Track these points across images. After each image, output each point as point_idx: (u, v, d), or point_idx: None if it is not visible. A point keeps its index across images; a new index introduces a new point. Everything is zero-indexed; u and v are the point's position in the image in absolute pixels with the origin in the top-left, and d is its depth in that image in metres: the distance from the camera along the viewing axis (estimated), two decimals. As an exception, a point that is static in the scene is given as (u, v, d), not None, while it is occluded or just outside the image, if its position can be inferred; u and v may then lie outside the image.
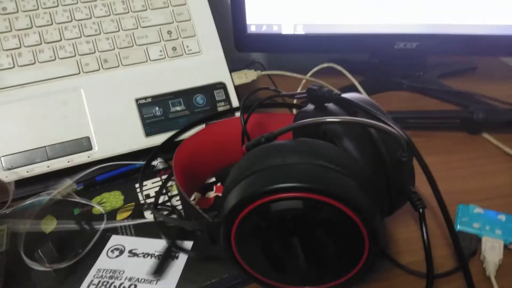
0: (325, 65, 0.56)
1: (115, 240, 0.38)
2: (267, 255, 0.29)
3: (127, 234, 0.38)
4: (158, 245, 0.37)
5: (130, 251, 0.37)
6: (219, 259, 0.35)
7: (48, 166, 0.45)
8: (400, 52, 0.59)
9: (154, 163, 0.46)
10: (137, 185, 0.45)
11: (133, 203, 0.43)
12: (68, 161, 0.45)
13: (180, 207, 0.42)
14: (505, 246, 0.35)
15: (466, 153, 0.48)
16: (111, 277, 0.34)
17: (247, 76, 0.53)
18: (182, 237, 0.37)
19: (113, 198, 0.43)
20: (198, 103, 0.50)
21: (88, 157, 0.46)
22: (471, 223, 0.37)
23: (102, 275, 0.35)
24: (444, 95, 0.59)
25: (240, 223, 0.28)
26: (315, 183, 0.26)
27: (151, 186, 0.45)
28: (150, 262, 0.36)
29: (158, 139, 0.47)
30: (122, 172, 0.47)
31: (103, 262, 0.36)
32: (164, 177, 0.45)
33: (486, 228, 0.36)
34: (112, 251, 0.37)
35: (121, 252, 0.37)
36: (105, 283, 0.34)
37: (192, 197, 0.42)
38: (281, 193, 0.26)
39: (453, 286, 0.33)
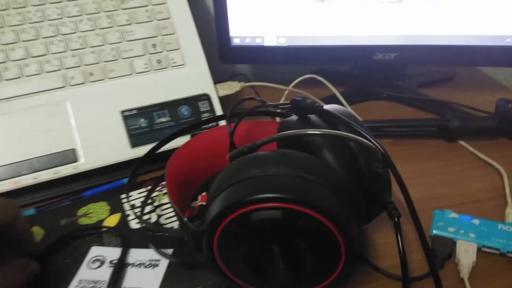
0: (307, 76, 0.58)
1: (95, 251, 0.39)
2: (249, 263, 0.30)
3: (113, 245, 0.39)
4: (139, 255, 0.38)
5: (111, 262, 0.37)
6: (203, 266, 0.36)
7: (34, 178, 0.45)
8: (379, 62, 0.61)
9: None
10: (123, 196, 0.45)
11: (120, 213, 0.43)
12: (55, 173, 0.46)
13: (164, 216, 0.43)
14: (479, 249, 0.37)
15: (443, 160, 0.50)
16: (95, 285, 0.35)
17: (231, 87, 0.54)
18: (167, 245, 0.38)
19: (99, 209, 0.44)
20: (183, 114, 0.51)
21: (75, 168, 0.46)
22: (446, 228, 0.38)
23: (83, 286, 0.35)
24: (422, 104, 0.61)
25: (222, 231, 0.29)
26: (294, 194, 0.27)
27: (137, 197, 0.46)
28: (132, 272, 0.36)
29: (144, 150, 0.48)
30: (110, 188, 0.47)
31: (84, 273, 0.36)
32: (149, 187, 0.46)
33: (460, 232, 0.38)
34: (93, 262, 0.37)
35: (102, 263, 0.37)
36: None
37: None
38: (261, 203, 0.27)
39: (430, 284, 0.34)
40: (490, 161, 0.48)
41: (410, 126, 0.54)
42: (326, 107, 0.36)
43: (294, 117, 0.37)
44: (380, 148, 0.31)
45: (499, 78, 0.70)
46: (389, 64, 0.62)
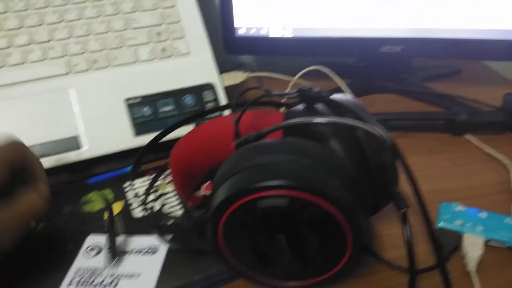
0: (312, 67, 0.57)
1: (91, 239, 0.38)
2: (254, 251, 0.30)
3: (116, 233, 0.39)
4: (138, 242, 0.38)
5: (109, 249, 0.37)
6: (206, 254, 0.35)
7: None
8: (386, 55, 0.60)
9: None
10: (126, 184, 0.45)
11: (123, 201, 0.43)
12: (57, 160, 0.45)
13: (168, 206, 0.42)
14: (486, 243, 0.36)
15: (449, 153, 0.49)
16: (91, 275, 0.35)
17: (236, 77, 0.54)
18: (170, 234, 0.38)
19: (103, 197, 0.44)
20: (187, 104, 0.50)
21: (78, 155, 0.46)
22: (453, 221, 0.38)
23: (81, 274, 0.35)
24: (428, 97, 0.61)
25: (228, 219, 0.28)
26: (301, 181, 0.27)
27: (140, 185, 0.45)
28: (131, 258, 0.36)
29: (147, 139, 0.47)
30: (113, 175, 0.47)
31: (82, 261, 0.36)
32: (152, 176, 0.46)
33: (467, 225, 0.37)
34: (90, 250, 0.37)
35: (99, 250, 0.37)
36: (85, 282, 0.34)
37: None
38: (268, 190, 0.27)
39: (435, 280, 0.34)
40: (496, 155, 0.48)
41: (416, 119, 0.54)
42: (334, 96, 0.35)
43: (300, 106, 0.37)
44: (388, 138, 0.30)
45: (505, 73, 0.69)
46: (395, 57, 0.61)
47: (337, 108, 0.35)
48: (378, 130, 0.29)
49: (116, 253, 0.36)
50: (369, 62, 0.66)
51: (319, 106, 0.35)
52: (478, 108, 0.55)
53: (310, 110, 0.36)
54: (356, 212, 0.28)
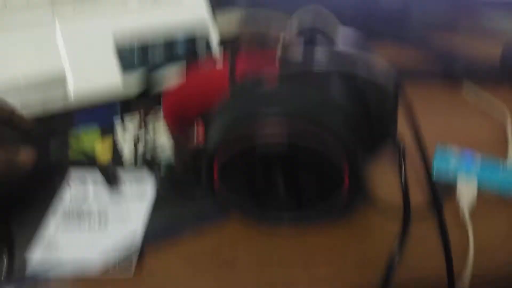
0: (311, 6, 0.54)
1: (75, 176, 0.37)
2: (249, 186, 0.29)
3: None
4: (127, 180, 0.37)
5: (94, 185, 0.37)
6: (200, 192, 0.34)
7: (20, 105, 0.43)
8: (385, 4, 0.58)
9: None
10: (115, 123, 0.44)
11: (111, 139, 0.42)
12: (42, 101, 0.43)
13: (160, 146, 0.41)
14: (480, 188, 0.36)
15: (446, 102, 0.49)
16: (78, 213, 0.34)
17: (230, 18, 0.51)
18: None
19: (91, 134, 0.42)
20: (179, 47, 0.48)
21: (63, 96, 0.44)
22: (448, 165, 0.38)
23: (67, 211, 0.34)
24: (427, 47, 0.59)
25: (223, 153, 0.27)
26: (302, 111, 0.25)
27: (131, 125, 0.44)
28: (117, 195, 0.36)
29: (137, 77, 0.46)
30: (101, 116, 0.45)
31: (66, 198, 0.35)
32: (143, 116, 0.44)
33: (462, 171, 0.37)
34: (74, 187, 0.36)
35: (85, 186, 0.36)
36: (71, 217, 0.34)
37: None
38: (267, 120, 0.26)
39: (427, 225, 0.34)
40: (494, 104, 0.47)
41: (414, 67, 0.52)
42: (339, 32, 0.33)
43: (300, 46, 0.35)
44: (392, 72, 0.29)
45: (505, 26, 0.67)
46: (395, 6, 0.59)
47: (340, 52, 0.33)
48: (382, 70, 0.28)
49: (114, 182, 0.36)
50: (368, 11, 0.63)
51: (319, 42, 0.33)
52: (476, 57, 0.54)
53: (311, 50, 0.34)
54: (355, 148, 0.27)
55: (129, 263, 0.30)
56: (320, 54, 0.33)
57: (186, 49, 0.48)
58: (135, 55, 0.46)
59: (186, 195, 0.35)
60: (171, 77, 0.43)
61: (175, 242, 0.32)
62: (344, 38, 0.32)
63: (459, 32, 0.65)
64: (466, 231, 0.33)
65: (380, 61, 0.30)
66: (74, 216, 0.34)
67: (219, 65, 0.44)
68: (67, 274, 0.29)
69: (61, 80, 0.44)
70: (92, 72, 0.45)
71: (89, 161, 0.38)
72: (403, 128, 0.33)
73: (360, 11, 0.64)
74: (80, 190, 0.36)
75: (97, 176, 0.37)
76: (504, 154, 0.40)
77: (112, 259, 0.30)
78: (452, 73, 0.51)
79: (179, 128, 0.41)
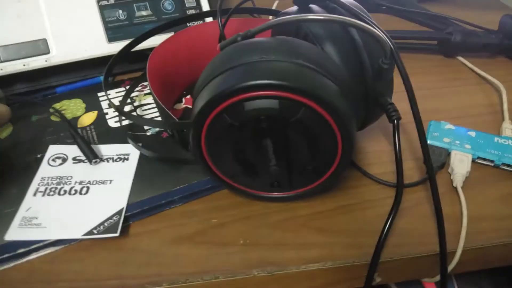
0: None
1: (54, 149, 0.36)
2: (239, 158, 0.28)
3: (90, 142, 0.36)
4: (110, 150, 0.36)
5: (74, 158, 0.35)
6: (188, 163, 0.33)
7: (1, 69, 0.41)
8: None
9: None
10: (100, 94, 0.42)
11: (96, 111, 0.40)
12: (24, 65, 0.41)
13: (146, 117, 0.40)
14: (473, 160, 0.36)
15: (440, 74, 0.48)
16: (58, 183, 0.33)
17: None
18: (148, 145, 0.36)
19: (74, 106, 0.41)
20: (166, 9, 0.46)
21: (46, 61, 0.42)
22: (441, 138, 0.37)
23: (47, 182, 0.33)
24: (423, 18, 0.58)
25: (211, 123, 0.26)
26: (293, 82, 0.24)
27: (114, 96, 0.42)
28: (99, 165, 0.34)
29: (121, 46, 0.44)
30: (85, 85, 0.44)
31: (46, 170, 0.34)
32: (128, 87, 0.43)
33: (456, 143, 0.36)
34: (53, 160, 0.35)
35: (64, 160, 0.35)
36: (53, 189, 0.32)
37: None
38: (256, 90, 0.25)
39: (420, 195, 0.33)
40: (489, 77, 0.46)
41: (409, 38, 0.51)
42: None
43: (293, 8, 0.33)
44: (389, 41, 0.28)
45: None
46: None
47: (335, 10, 0.32)
48: (379, 33, 0.27)
49: (92, 155, 0.34)
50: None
51: (316, 8, 0.32)
52: (473, 30, 0.53)
53: (306, 12, 0.32)
54: (349, 118, 0.26)
55: (115, 224, 0.29)
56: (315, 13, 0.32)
57: (173, 8, 0.46)
58: (120, 14, 0.44)
59: (176, 163, 0.34)
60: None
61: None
62: (340, 4, 0.30)
63: (456, 2, 0.64)
64: (459, 202, 0.32)
65: (377, 27, 0.28)
66: (55, 185, 0.32)
67: (209, 29, 0.42)
68: (51, 238, 0.29)
69: (43, 43, 0.42)
70: (75, 34, 0.43)
71: (71, 129, 0.36)
72: (397, 98, 0.33)
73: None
74: (60, 161, 0.35)
75: (77, 148, 0.35)
76: (497, 125, 0.40)
77: (97, 221, 0.29)
78: (448, 44, 0.49)
79: (166, 95, 0.39)
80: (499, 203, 0.33)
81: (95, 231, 0.29)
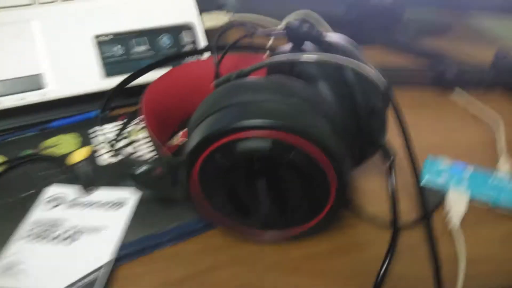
0: (302, 11, 0.53)
1: (52, 190, 0.35)
2: (232, 198, 0.27)
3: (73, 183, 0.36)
4: (103, 195, 0.35)
5: (71, 201, 0.34)
6: (181, 203, 0.33)
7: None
8: (376, 7, 0.57)
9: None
10: (93, 130, 0.42)
11: (90, 147, 0.40)
12: (20, 99, 0.42)
13: (139, 153, 0.39)
14: (470, 200, 0.35)
15: (436, 109, 0.48)
16: (52, 226, 0.32)
17: (218, 19, 0.50)
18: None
19: (69, 140, 0.41)
20: (163, 44, 0.46)
21: (42, 96, 0.42)
22: (438, 175, 0.37)
23: (37, 227, 0.32)
24: (417, 52, 0.58)
25: (204, 162, 0.26)
26: (286, 122, 0.24)
27: (109, 131, 0.42)
28: (95, 211, 0.33)
29: (118, 81, 0.44)
30: (81, 119, 0.44)
31: (40, 213, 0.33)
32: (123, 121, 0.43)
33: (452, 181, 0.36)
34: (49, 201, 0.34)
35: (60, 202, 0.34)
36: (44, 231, 0.31)
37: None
38: (249, 131, 0.25)
39: (416, 236, 0.32)
40: (484, 112, 0.46)
41: (403, 71, 0.52)
42: (328, 35, 0.32)
43: (287, 46, 0.34)
44: (382, 81, 0.28)
45: (497, 31, 0.67)
46: (386, 9, 0.58)
47: (329, 50, 0.32)
48: (372, 72, 0.27)
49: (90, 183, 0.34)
50: (359, 14, 0.62)
51: (310, 46, 0.32)
52: (468, 64, 0.53)
53: (299, 50, 0.33)
54: (343, 159, 0.26)
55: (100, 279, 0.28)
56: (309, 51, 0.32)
57: (170, 44, 0.46)
58: (117, 50, 0.45)
59: (168, 202, 0.33)
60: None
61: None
62: (334, 42, 0.31)
63: (450, 36, 0.65)
64: (456, 242, 0.32)
65: (370, 66, 0.28)
66: (42, 230, 0.31)
67: (204, 65, 0.43)
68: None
69: (38, 78, 0.42)
70: (72, 69, 0.43)
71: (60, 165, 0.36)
72: (392, 135, 0.32)
73: (350, 16, 0.63)
74: (51, 204, 0.34)
75: (71, 188, 0.35)
76: (494, 162, 0.40)
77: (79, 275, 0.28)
78: (443, 79, 0.50)
79: (160, 131, 0.39)
80: (498, 244, 0.32)
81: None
